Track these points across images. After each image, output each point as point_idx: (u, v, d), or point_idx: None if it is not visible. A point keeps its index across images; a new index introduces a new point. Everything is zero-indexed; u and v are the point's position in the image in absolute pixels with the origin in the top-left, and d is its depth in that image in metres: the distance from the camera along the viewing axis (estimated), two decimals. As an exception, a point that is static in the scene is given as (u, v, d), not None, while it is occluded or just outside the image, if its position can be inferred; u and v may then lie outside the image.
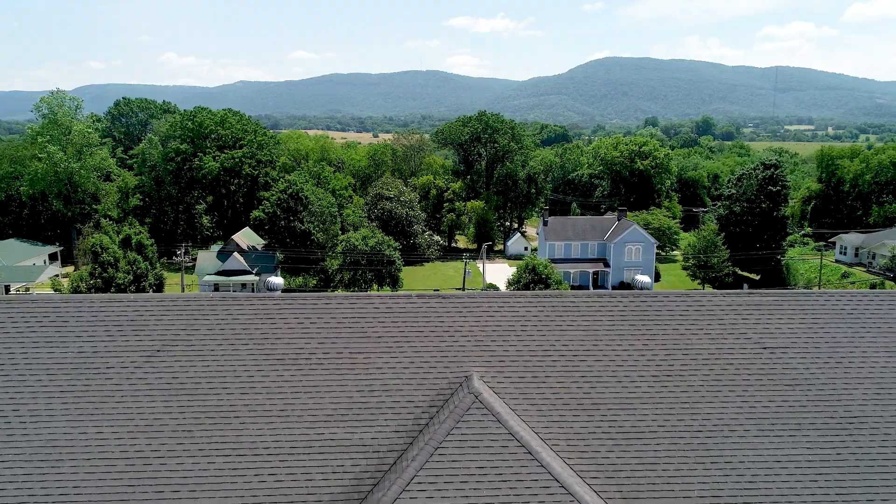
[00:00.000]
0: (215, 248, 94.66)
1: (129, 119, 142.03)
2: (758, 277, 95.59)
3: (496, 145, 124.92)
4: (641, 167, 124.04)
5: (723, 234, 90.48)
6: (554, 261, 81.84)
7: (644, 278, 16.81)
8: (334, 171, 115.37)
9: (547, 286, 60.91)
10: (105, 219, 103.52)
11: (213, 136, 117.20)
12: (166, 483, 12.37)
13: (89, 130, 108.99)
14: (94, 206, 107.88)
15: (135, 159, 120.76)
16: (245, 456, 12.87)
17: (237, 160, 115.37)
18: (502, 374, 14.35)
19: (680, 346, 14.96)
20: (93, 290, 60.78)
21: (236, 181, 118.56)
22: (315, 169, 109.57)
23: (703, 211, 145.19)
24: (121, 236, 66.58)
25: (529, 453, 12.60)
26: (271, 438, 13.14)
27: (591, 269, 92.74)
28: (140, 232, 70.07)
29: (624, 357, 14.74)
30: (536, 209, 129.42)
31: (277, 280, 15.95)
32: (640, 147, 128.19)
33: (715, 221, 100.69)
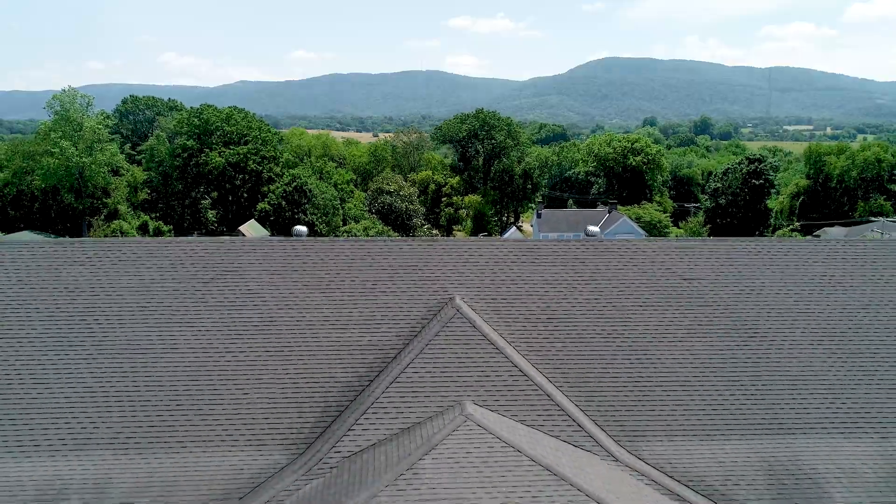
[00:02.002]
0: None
1: (136, 116, 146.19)
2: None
3: (493, 141, 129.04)
4: (634, 163, 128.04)
5: (709, 227, 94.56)
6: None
7: (594, 228, 20.94)
8: (336, 167, 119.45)
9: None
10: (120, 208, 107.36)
11: (218, 132, 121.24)
12: (232, 375, 16.44)
13: (100, 127, 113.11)
14: (104, 200, 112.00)
15: (143, 155, 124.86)
16: (280, 354, 16.91)
17: (242, 156, 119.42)
18: (479, 297, 18.40)
19: (616, 276, 19.03)
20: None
21: (241, 176, 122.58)
22: (318, 164, 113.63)
23: (695, 206, 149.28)
24: (139, 221, 70.57)
25: (498, 350, 16.66)
26: (302, 341, 17.19)
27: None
28: (157, 216, 73.99)
29: (575, 284, 18.79)
30: (532, 204, 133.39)
31: (302, 228, 19.98)
32: (632, 144, 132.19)
33: (703, 214, 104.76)
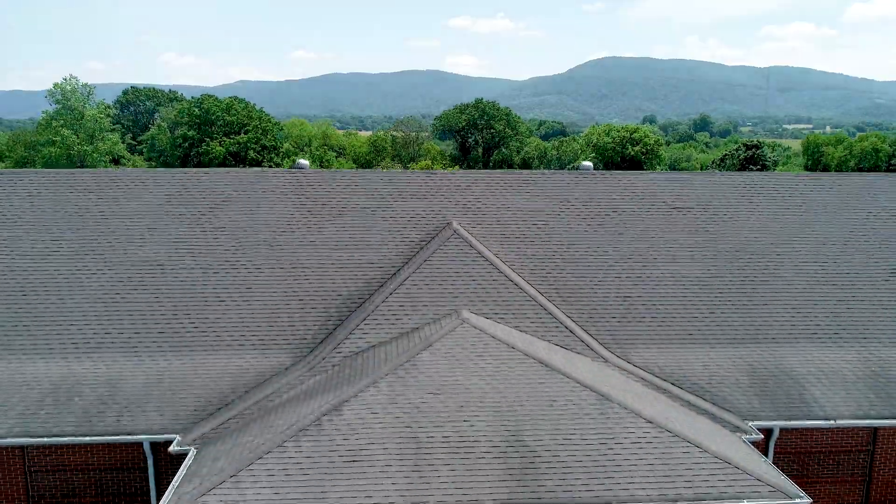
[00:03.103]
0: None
1: (136, 108, 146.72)
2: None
3: (492, 131, 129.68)
4: (632, 153, 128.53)
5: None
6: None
7: (587, 163, 21.60)
8: (336, 157, 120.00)
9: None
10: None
11: (219, 122, 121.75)
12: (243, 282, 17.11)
13: (101, 116, 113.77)
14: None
15: (144, 145, 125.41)
16: (283, 270, 17.56)
17: (242, 145, 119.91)
18: (476, 223, 19.05)
19: (609, 204, 19.69)
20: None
21: (241, 166, 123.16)
22: (318, 153, 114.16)
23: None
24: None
25: (493, 266, 17.32)
26: (304, 258, 17.84)
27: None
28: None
29: (569, 211, 19.44)
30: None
31: (304, 161, 20.60)
32: (631, 134, 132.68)
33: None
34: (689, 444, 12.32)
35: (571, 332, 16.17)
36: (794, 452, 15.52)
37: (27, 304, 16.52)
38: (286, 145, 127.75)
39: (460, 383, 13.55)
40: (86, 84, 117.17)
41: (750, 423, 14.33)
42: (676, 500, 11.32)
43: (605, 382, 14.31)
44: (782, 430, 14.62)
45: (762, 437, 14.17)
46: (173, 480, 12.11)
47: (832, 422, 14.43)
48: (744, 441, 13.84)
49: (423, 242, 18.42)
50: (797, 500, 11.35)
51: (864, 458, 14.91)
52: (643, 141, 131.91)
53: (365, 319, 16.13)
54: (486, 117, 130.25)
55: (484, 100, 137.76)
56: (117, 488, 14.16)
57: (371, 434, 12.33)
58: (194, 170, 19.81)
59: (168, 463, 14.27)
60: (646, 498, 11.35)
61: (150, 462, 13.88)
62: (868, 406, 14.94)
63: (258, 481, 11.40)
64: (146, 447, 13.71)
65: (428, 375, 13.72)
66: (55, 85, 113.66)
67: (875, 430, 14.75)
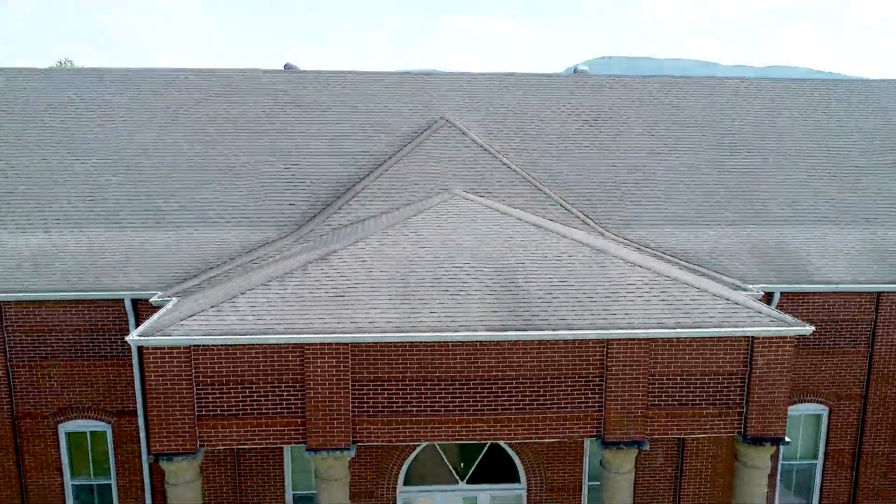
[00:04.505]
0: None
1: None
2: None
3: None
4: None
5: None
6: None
7: (584, 67, 21.20)
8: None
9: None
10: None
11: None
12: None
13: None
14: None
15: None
16: (274, 155, 17.13)
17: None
18: (472, 119, 18.61)
19: (607, 103, 19.30)
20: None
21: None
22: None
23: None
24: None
25: (486, 150, 16.89)
26: (293, 145, 17.42)
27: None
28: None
29: (567, 109, 19.03)
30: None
31: (295, 63, 20.19)
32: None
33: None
34: (687, 285, 11.90)
35: (568, 209, 15.75)
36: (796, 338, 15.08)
37: (7, 183, 16.07)
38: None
39: (452, 240, 13.11)
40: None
41: (751, 287, 13.89)
42: (675, 328, 10.88)
43: (603, 244, 13.89)
44: (783, 294, 14.18)
45: (763, 295, 13.74)
46: (153, 316, 11.71)
47: (834, 285, 14.00)
48: (745, 294, 13.41)
49: (416, 135, 17.99)
50: (799, 328, 10.91)
51: (866, 326, 14.48)
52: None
53: (356, 196, 15.71)
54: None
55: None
56: (97, 350, 13.70)
57: (358, 276, 11.90)
58: (182, 68, 19.38)
59: (151, 331, 13.81)
60: (643, 326, 10.91)
61: (131, 322, 13.41)
62: (871, 274, 14.51)
63: (239, 310, 10.97)
64: (127, 304, 13.26)
65: (420, 234, 13.28)
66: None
67: (878, 295, 14.31)
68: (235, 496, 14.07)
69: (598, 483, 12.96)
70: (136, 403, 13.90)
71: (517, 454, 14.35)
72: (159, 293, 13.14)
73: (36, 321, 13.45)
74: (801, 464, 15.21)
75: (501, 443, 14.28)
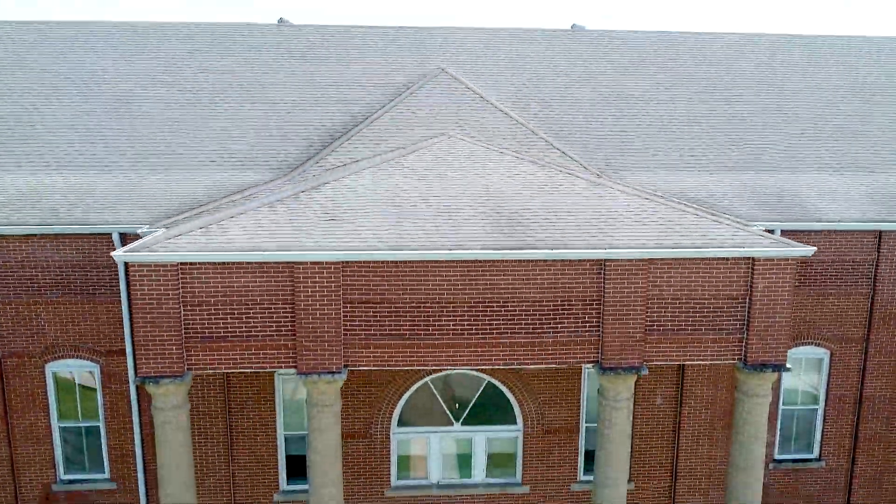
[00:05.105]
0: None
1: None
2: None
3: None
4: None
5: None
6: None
7: (581, 24, 21.00)
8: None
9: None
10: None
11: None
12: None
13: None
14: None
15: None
16: (265, 105, 16.86)
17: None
18: (469, 71, 18.36)
19: (604, 57, 19.05)
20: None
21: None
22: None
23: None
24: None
25: (484, 99, 16.63)
26: (285, 94, 17.14)
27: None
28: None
29: (565, 62, 18.79)
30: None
31: (288, 19, 19.94)
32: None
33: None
34: (685, 211, 11.66)
35: (566, 153, 15.50)
36: (798, 262, 14.86)
37: (-4, 129, 15.81)
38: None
39: (447, 175, 12.88)
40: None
41: (752, 225, 13.64)
42: (674, 248, 10.64)
43: (600, 181, 13.65)
44: (784, 232, 13.92)
45: (764, 232, 13.48)
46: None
47: (836, 223, 13.75)
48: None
49: (413, 85, 17.74)
50: (801, 250, 10.67)
51: (868, 267, 14.23)
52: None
53: (349, 139, 15.45)
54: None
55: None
56: (85, 288, 13.41)
57: (350, 202, 11.66)
58: (174, 22, 19.12)
59: (140, 270, 13.53)
60: (641, 246, 10.67)
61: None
62: (873, 214, 14.27)
63: (229, 231, 10.72)
64: (115, 238, 12.97)
65: (413, 169, 13.05)
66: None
67: (880, 234, 14.05)
68: (227, 436, 13.81)
69: (596, 425, 12.71)
70: (124, 343, 13.63)
71: (514, 395, 14.11)
72: (147, 226, 12.87)
73: (22, 257, 13.17)
74: (801, 409, 14.96)
75: (498, 382, 14.03)
